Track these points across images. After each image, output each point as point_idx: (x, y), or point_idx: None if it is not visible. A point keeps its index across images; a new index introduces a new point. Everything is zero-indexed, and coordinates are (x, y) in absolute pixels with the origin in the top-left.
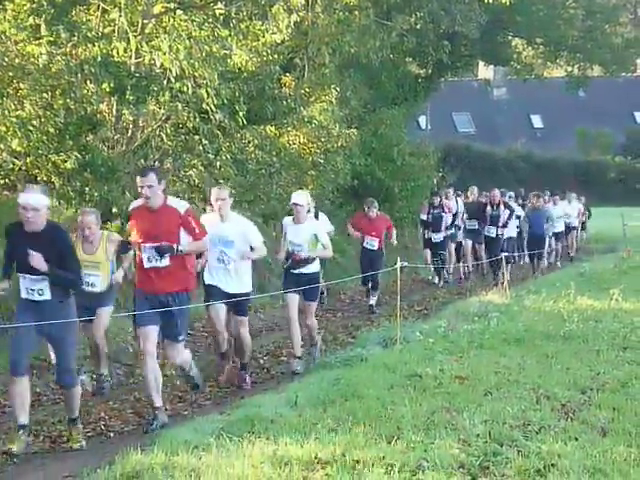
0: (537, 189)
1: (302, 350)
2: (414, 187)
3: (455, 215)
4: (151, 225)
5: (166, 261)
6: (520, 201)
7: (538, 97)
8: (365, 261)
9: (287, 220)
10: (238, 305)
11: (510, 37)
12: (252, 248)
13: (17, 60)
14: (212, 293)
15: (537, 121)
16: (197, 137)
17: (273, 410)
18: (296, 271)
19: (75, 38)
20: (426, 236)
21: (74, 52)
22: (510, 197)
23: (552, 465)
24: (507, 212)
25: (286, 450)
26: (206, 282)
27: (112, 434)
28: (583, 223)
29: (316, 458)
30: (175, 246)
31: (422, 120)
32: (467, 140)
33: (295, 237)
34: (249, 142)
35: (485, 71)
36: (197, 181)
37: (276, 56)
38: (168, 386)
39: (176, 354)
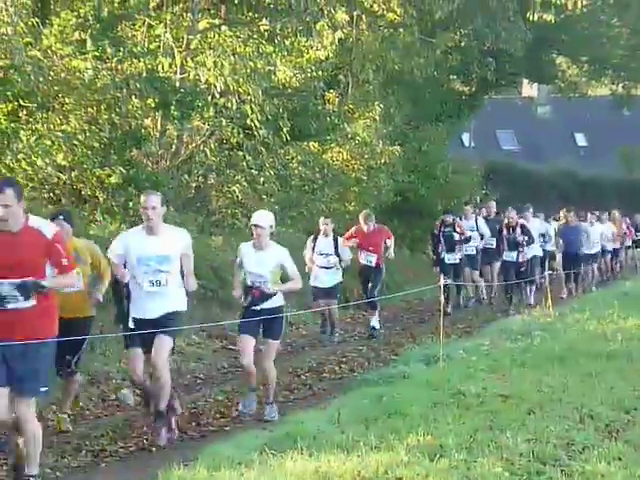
0: (581, 207)
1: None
2: (457, 204)
3: (469, 237)
4: (8, 253)
5: (31, 301)
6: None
7: (582, 115)
8: (363, 278)
9: (245, 246)
10: (166, 324)
11: (555, 55)
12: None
13: (63, 75)
14: (137, 329)
15: (581, 139)
16: (241, 153)
17: (315, 427)
18: (258, 307)
19: (120, 53)
20: (440, 255)
21: (119, 67)
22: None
23: None
24: (524, 237)
25: (328, 467)
26: (132, 315)
27: (154, 449)
28: (634, 241)
29: (359, 475)
30: (42, 282)
31: (465, 137)
32: (510, 158)
33: (257, 267)
34: (292, 158)
35: (529, 89)
36: (240, 197)
37: (320, 72)
38: (209, 402)
39: (28, 414)
